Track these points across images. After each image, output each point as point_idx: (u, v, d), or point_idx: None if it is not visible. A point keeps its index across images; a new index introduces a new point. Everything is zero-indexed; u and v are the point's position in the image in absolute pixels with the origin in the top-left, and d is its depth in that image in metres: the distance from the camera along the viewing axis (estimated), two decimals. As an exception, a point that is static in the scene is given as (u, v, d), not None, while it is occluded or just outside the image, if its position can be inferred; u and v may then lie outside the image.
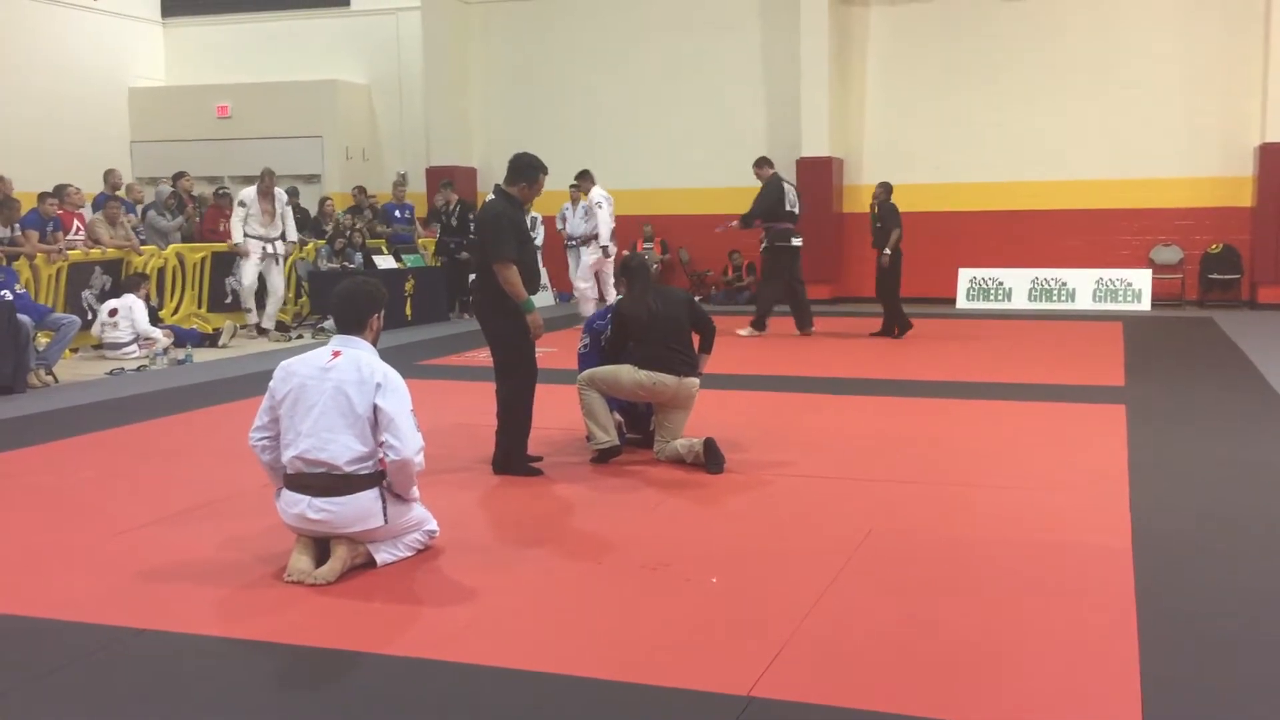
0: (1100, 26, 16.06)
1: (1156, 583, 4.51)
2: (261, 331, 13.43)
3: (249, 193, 13.35)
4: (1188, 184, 15.95)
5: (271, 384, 4.85)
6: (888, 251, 12.81)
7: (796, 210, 13.12)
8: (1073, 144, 16.26)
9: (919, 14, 16.87)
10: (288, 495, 4.75)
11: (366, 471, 4.71)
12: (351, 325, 4.90)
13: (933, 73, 16.80)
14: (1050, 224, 16.46)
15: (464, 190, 16.98)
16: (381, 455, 4.72)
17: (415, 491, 4.93)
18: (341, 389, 4.67)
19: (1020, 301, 16.30)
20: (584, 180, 15.06)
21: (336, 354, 4.79)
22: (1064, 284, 16.22)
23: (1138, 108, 15.96)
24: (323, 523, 4.68)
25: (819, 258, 16.87)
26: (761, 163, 13.45)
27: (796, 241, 13.08)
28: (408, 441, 4.68)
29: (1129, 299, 15.87)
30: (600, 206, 14.90)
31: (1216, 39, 15.65)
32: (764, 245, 13.20)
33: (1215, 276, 15.83)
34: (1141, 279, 15.93)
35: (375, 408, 4.66)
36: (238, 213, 13.22)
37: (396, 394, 4.71)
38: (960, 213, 16.77)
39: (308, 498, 4.68)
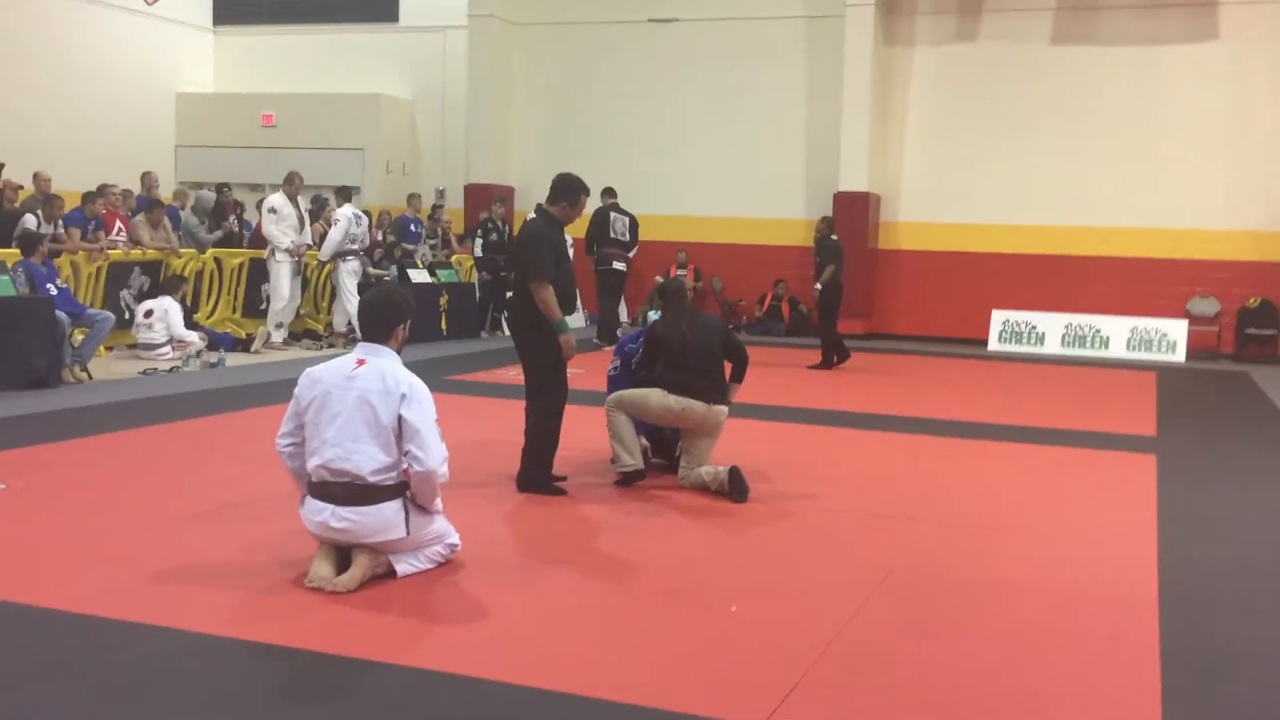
0: (1147, 78, 16.01)
1: (1181, 636, 4.45)
2: (286, 341, 13.24)
3: (278, 199, 13.09)
4: (1227, 236, 15.83)
5: (297, 391, 4.87)
6: (818, 286, 12.99)
7: (626, 238, 14.68)
8: (1112, 191, 16.19)
9: (963, 56, 16.88)
10: (312, 503, 4.77)
11: (390, 482, 4.72)
12: (377, 334, 4.89)
13: (974, 114, 16.79)
14: (1086, 270, 16.37)
15: (504, 209, 17.03)
16: (405, 466, 4.73)
17: (438, 504, 4.93)
18: (365, 398, 4.66)
19: (1053, 346, 16.20)
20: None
21: (361, 362, 4.78)
22: (1098, 331, 16.11)
23: (1181, 158, 15.88)
24: (345, 532, 4.69)
25: (853, 294, 16.81)
26: (603, 194, 14.69)
27: (619, 265, 14.70)
28: (432, 453, 4.68)
29: (1164, 349, 15.73)
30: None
31: (1263, 94, 15.57)
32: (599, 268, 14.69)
33: (1252, 331, 15.69)
34: (1177, 330, 15.79)
35: (400, 418, 4.66)
36: (269, 218, 12.97)
37: (421, 405, 4.69)
38: (995, 254, 16.71)
39: (331, 506, 4.69)
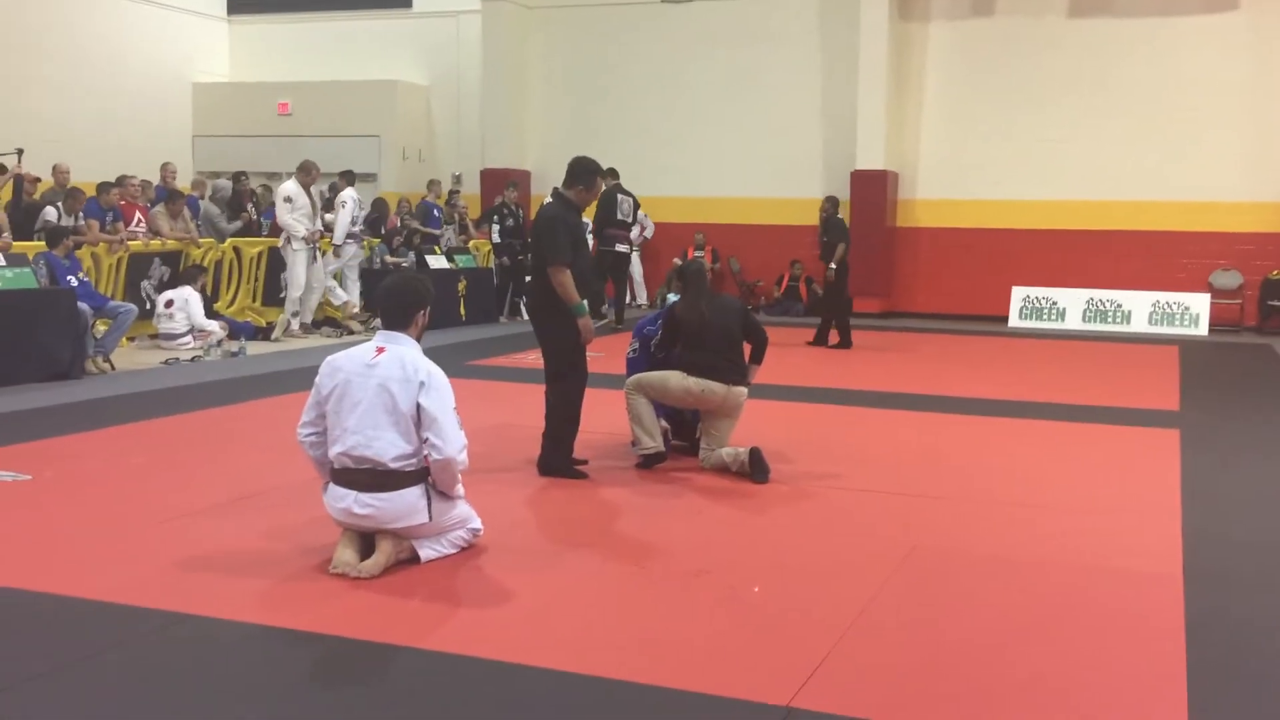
0: (1165, 49, 15.85)
1: (1207, 612, 4.43)
2: (305, 329, 13.24)
3: (292, 187, 12.93)
4: (1249, 208, 15.70)
5: (317, 380, 4.88)
6: (833, 266, 12.95)
7: (630, 219, 14.70)
8: (1132, 165, 16.06)
9: (980, 31, 16.74)
10: (334, 490, 4.79)
11: (412, 468, 4.74)
12: (396, 321, 4.89)
13: (991, 90, 16.67)
14: (1107, 245, 16.26)
15: (518, 193, 17.04)
16: (425, 453, 4.75)
17: (460, 489, 4.95)
18: (385, 386, 4.68)
19: (1074, 322, 16.11)
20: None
21: (381, 350, 4.79)
22: (1119, 306, 16.01)
23: (1200, 131, 15.73)
24: (368, 518, 4.72)
25: (872, 272, 16.81)
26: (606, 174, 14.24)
27: (621, 248, 14.68)
28: (450, 440, 4.69)
29: (1186, 323, 15.63)
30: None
31: (1284, 63, 15.42)
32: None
33: (1275, 303, 15.56)
34: (1199, 303, 15.69)
35: (418, 406, 4.67)
36: (284, 207, 12.82)
37: (439, 392, 4.71)
38: (1015, 230, 16.62)
39: (354, 493, 4.71)
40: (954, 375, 11.16)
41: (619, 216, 14.51)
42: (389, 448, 4.68)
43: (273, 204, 14.39)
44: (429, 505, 4.77)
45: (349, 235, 13.48)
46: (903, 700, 3.62)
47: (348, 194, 13.55)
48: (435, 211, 15.99)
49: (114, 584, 4.53)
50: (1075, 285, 16.27)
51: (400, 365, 4.72)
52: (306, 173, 13.07)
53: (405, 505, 4.72)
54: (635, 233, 16.89)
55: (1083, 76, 16.21)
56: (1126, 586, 4.77)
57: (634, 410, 6.71)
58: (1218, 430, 8.35)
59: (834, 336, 13.13)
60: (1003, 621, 4.33)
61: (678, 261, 12.33)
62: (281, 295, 13.83)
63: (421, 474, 4.78)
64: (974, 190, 16.77)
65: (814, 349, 12.96)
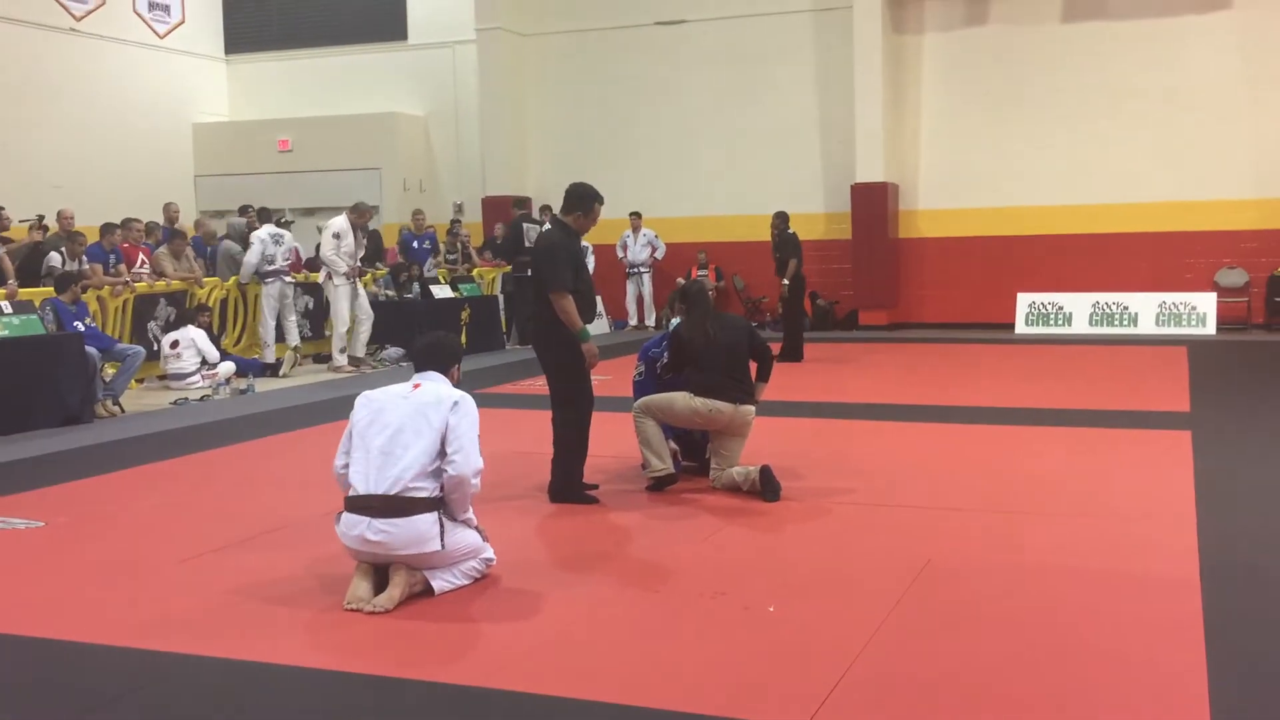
0: (1160, 50, 15.88)
1: (1226, 616, 4.40)
2: (354, 362, 13.24)
3: (341, 223, 13.01)
4: (1252, 206, 15.68)
5: (353, 414, 4.99)
6: (786, 281, 13.02)
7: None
8: (1134, 166, 16.07)
9: (974, 40, 16.79)
10: (348, 518, 4.81)
11: (425, 494, 4.77)
12: (436, 367, 5.14)
13: (989, 97, 16.71)
14: (1111, 247, 16.25)
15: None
16: (443, 469, 4.80)
17: (471, 515, 4.97)
18: (422, 410, 4.85)
19: (1081, 326, 16.09)
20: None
21: (417, 385, 5.00)
22: (1126, 308, 15.99)
23: (1200, 130, 15.75)
24: (381, 544, 4.73)
25: (876, 284, 16.84)
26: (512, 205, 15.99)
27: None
28: (470, 459, 4.80)
29: (1193, 323, 15.59)
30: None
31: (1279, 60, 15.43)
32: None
33: (1282, 300, 15.53)
34: (1206, 302, 15.66)
35: (447, 424, 4.81)
36: (331, 243, 12.93)
37: (468, 415, 4.89)
38: (1018, 237, 16.62)
39: (367, 519, 4.74)
40: (963, 384, 11.14)
41: (527, 244, 15.19)
42: (412, 464, 4.75)
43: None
44: (441, 534, 4.78)
45: (270, 273, 13.19)
46: (923, 716, 3.60)
47: (257, 234, 13.37)
48: (415, 242, 15.99)
49: (130, 628, 4.52)
50: (1081, 289, 16.26)
51: (435, 394, 4.93)
52: (360, 213, 13.25)
53: (417, 532, 4.74)
54: (646, 254, 17.34)
55: (1078, 81, 16.24)
56: (1144, 591, 4.75)
57: (642, 433, 6.71)
58: (1230, 430, 8.31)
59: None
60: (1021, 632, 4.31)
61: (681, 281, 12.35)
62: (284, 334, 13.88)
63: (435, 503, 4.80)
64: (975, 199, 16.79)
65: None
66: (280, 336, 13.49)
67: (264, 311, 13.27)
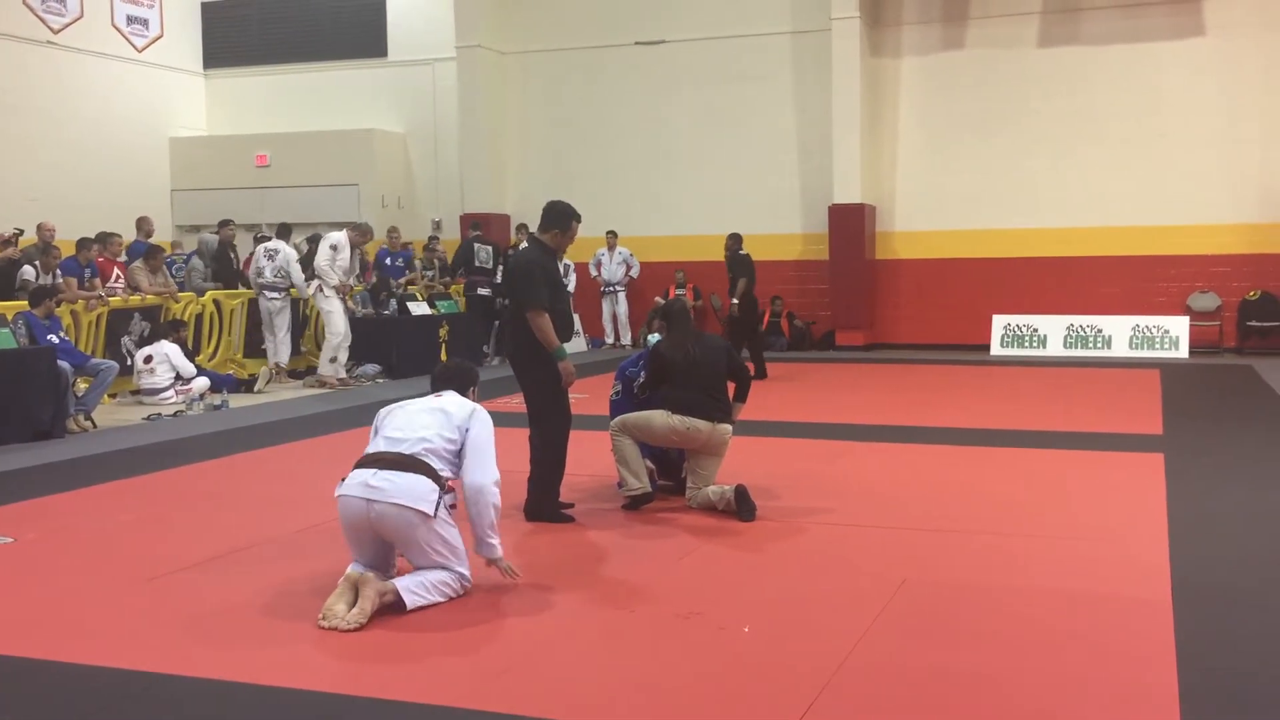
0: (1136, 76, 16.06)
1: (1197, 637, 4.43)
2: (349, 372, 13.27)
3: (340, 237, 13.06)
4: (1225, 230, 15.84)
5: (375, 421, 5.23)
6: (735, 301, 13.22)
7: (489, 265, 15.87)
8: (1107, 190, 16.21)
9: (951, 63, 16.93)
10: (354, 473, 4.91)
11: (434, 462, 4.89)
12: (453, 389, 5.37)
13: (965, 120, 16.84)
14: (1085, 270, 16.38)
15: (498, 237, 17.13)
16: (451, 476, 4.95)
17: (494, 532, 5.00)
18: (441, 407, 5.12)
19: (1055, 348, 16.19)
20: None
21: (439, 395, 5.28)
22: (1099, 331, 16.11)
23: (1173, 154, 15.91)
24: (379, 490, 4.79)
25: (853, 305, 16.91)
26: (470, 227, 16.68)
27: (483, 291, 15.84)
28: (489, 468, 4.96)
29: (1166, 346, 15.72)
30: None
31: (1253, 86, 15.61)
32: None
33: (1254, 324, 15.67)
34: (1179, 326, 15.79)
35: (467, 431, 5.00)
36: (328, 255, 12.92)
37: (488, 427, 5.09)
38: (993, 259, 16.74)
39: (374, 469, 4.86)
40: (938, 405, 11.19)
41: (477, 264, 15.76)
42: (429, 438, 4.94)
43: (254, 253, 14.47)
44: (438, 503, 4.85)
45: (263, 286, 13.45)
46: (897, 737, 3.60)
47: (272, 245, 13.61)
48: (389, 260, 15.96)
49: (100, 647, 4.48)
50: (1055, 312, 16.38)
51: (455, 400, 5.22)
52: (361, 233, 13.37)
53: (417, 489, 4.82)
54: (621, 273, 17.43)
55: (1054, 105, 16.40)
56: (1117, 613, 4.77)
57: (620, 452, 6.70)
58: (1202, 452, 8.38)
59: (813, 369, 13.18)
60: (996, 652, 4.32)
61: (659, 300, 12.39)
62: (263, 346, 13.86)
63: (440, 480, 4.90)
64: (951, 221, 16.90)
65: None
66: (261, 352, 13.67)
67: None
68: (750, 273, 13.37)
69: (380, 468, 4.87)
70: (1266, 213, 15.62)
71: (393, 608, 4.77)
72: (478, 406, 5.18)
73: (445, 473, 4.95)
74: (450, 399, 5.21)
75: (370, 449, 5.03)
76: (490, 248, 16.08)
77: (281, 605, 4.96)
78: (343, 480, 4.96)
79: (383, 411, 5.22)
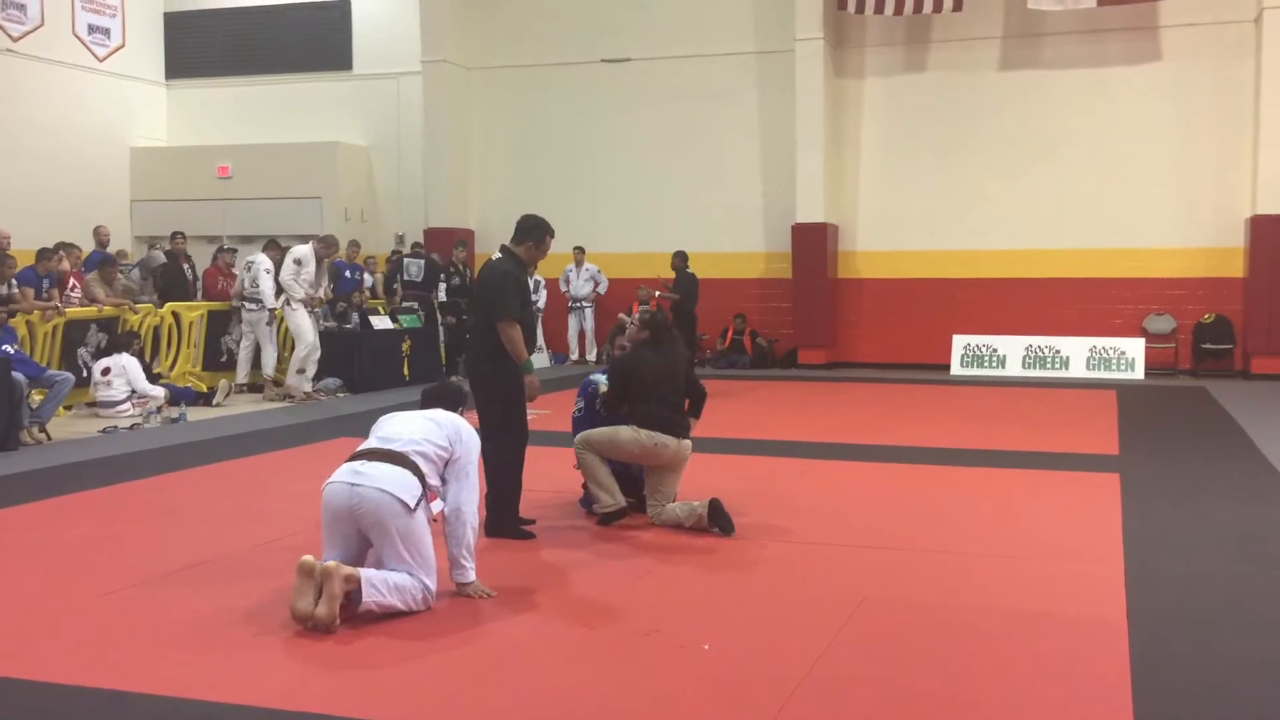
0: (1093, 99, 16.29)
1: (1151, 656, 4.48)
2: (289, 393, 13.14)
3: (304, 250, 12.99)
4: (1180, 254, 16.09)
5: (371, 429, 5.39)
6: (675, 296, 13.62)
7: (419, 279, 16.10)
8: (1065, 213, 16.42)
9: (913, 86, 17.11)
10: (344, 465, 5.03)
11: (419, 462, 5.02)
12: (441, 407, 5.49)
13: (927, 142, 17.01)
14: (1044, 292, 16.57)
15: (445, 252, 17.01)
16: (433, 489, 5.05)
17: (469, 555, 5.16)
18: (430, 416, 5.29)
19: (1014, 369, 16.35)
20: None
21: (430, 411, 5.43)
22: (1057, 352, 16.29)
23: (1130, 178, 16.14)
24: (365, 475, 4.91)
25: (814, 324, 17.01)
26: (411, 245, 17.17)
27: (407, 304, 15.93)
28: (471, 489, 5.14)
29: (1122, 368, 15.92)
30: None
31: (1208, 112, 15.88)
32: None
33: (1208, 346, 15.90)
34: (1135, 348, 15.99)
35: (452, 446, 5.15)
36: (292, 268, 12.84)
37: (473, 450, 5.25)
38: (954, 280, 16.89)
39: (361, 461, 5.01)
40: (897, 424, 11.26)
41: (405, 278, 16.10)
42: (417, 440, 5.09)
43: (213, 266, 14.35)
44: (420, 499, 4.95)
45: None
46: (855, 755, 3.61)
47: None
48: (347, 273, 15.87)
49: (54, 663, 4.42)
50: (1014, 333, 16.54)
51: (445, 413, 5.38)
52: (327, 245, 13.23)
53: (401, 480, 4.92)
54: (589, 289, 17.47)
55: (1014, 128, 16.60)
56: (1072, 632, 4.81)
57: (587, 468, 6.68)
58: (1157, 473, 8.48)
59: (783, 387, 13.23)
60: (953, 670, 4.35)
61: (623, 317, 12.38)
62: (223, 360, 13.74)
63: (426, 482, 5.02)
64: (912, 241, 17.05)
65: (781, 403, 12.94)
66: (220, 365, 13.65)
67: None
68: (691, 291, 13.49)
69: (366, 459, 5.02)
70: (1221, 237, 15.88)
71: (348, 601, 4.78)
72: (465, 424, 5.32)
73: (431, 479, 5.07)
74: (440, 413, 5.35)
75: (362, 447, 5.15)
76: (421, 261, 16.19)
77: (240, 621, 4.91)
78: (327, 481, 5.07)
79: (380, 419, 5.39)
